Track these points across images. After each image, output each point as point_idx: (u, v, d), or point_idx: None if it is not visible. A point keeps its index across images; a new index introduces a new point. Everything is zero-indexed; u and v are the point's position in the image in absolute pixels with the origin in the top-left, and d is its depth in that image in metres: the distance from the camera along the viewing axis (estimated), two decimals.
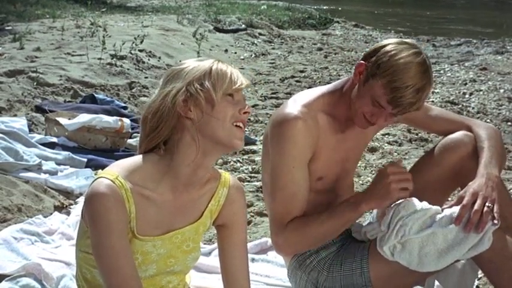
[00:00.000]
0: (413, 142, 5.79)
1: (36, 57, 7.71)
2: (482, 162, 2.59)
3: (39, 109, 5.90)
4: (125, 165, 2.01)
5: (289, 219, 2.56)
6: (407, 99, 2.44)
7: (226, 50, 10.46)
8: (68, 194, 4.23)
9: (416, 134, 5.92)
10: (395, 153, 5.42)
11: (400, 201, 2.52)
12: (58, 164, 4.64)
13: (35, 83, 6.47)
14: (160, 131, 2.00)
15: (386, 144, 5.67)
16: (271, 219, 2.63)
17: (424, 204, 2.51)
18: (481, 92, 7.67)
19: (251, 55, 10.44)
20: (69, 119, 5.22)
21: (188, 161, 2.02)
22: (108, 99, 6.31)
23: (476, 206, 2.44)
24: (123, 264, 1.93)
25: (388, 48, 2.49)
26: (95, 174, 4.42)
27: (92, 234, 1.96)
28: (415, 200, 2.52)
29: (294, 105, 2.58)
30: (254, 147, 5.40)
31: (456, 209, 2.47)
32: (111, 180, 1.95)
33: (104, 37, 8.13)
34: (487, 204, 2.45)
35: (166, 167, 2.02)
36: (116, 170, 1.99)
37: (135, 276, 1.95)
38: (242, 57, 10.19)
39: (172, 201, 2.06)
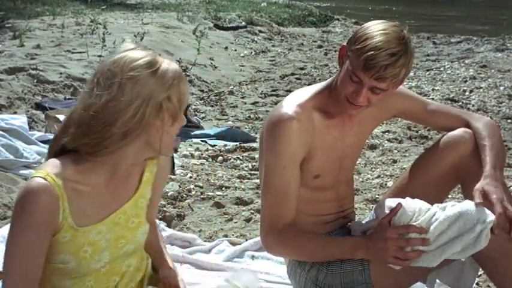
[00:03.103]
0: (413, 139, 5.79)
1: (36, 54, 7.71)
2: (489, 162, 2.55)
3: (39, 106, 5.90)
4: (55, 163, 2.00)
5: (279, 219, 2.56)
6: (380, 62, 2.39)
7: (226, 48, 10.46)
8: None
9: (417, 132, 5.92)
10: (396, 151, 5.42)
11: (400, 201, 2.52)
12: None
13: (35, 81, 6.47)
14: (133, 135, 1.97)
15: (386, 142, 5.67)
16: (262, 216, 2.64)
17: (423, 205, 2.51)
18: (481, 90, 7.67)
19: (251, 52, 10.44)
20: None
21: (129, 161, 2.06)
22: None
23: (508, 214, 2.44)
24: (26, 268, 1.95)
25: (366, 24, 2.51)
26: None
27: (11, 230, 1.96)
28: (414, 202, 2.52)
29: (289, 105, 2.57)
30: (254, 145, 5.40)
31: (446, 206, 2.48)
32: (43, 178, 1.95)
33: (104, 34, 8.13)
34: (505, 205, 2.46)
35: (101, 163, 2.02)
36: (47, 168, 1.98)
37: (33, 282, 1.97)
38: (242, 55, 10.19)
39: (104, 190, 2.06)
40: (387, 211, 2.51)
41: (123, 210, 2.11)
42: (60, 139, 2.01)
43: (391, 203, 2.54)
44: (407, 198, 2.53)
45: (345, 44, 2.54)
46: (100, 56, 7.57)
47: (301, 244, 2.57)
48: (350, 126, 2.66)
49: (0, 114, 5.34)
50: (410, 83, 8.08)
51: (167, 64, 2.00)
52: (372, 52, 2.39)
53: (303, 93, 2.64)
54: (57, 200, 1.94)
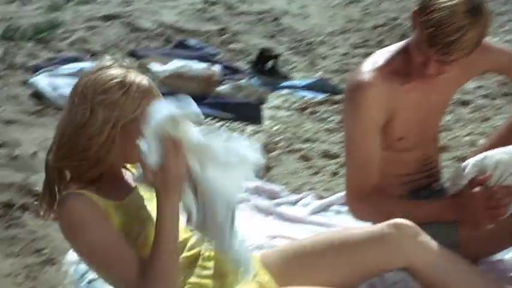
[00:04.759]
0: (508, 96, 5.62)
1: (131, 1, 7.82)
2: None
3: (132, 54, 6.01)
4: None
5: (363, 185, 2.55)
6: (445, 38, 2.28)
7: None
8: None
9: None
10: (488, 107, 5.28)
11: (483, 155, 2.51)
12: None
13: (129, 28, 6.58)
14: (106, 158, 2.05)
15: (478, 98, 5.53)
16: (346, 184, 2.64)
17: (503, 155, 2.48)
18: None
19: (343, 2, 10.29)
20: (161, 65, 5.30)
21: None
22: (200, 45, 6.37)
23: None
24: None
25: None
26: None
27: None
28: (497, 154, 2.49)
29: (367, 70, 2.52)
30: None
31: None
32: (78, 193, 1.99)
33: None
34: None
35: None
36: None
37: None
38: (333, 5, 10.06)
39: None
40: (472, 170, 2.49)
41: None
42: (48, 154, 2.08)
43: (473, 162, 2.52)
44: (488, 152, 2.50)
45: (415, 9, 2.43)
46: (192, 3, 7.61)
47: (387, 209, 2.54)
48: (433, 85, 2.59)
49: (88, 61, 5.47)
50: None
51: (137, 83, 2.01)
52: (434, 28, 2.29)
53: (381, 56, 2.58)
54: (94, 202, 1.98)
